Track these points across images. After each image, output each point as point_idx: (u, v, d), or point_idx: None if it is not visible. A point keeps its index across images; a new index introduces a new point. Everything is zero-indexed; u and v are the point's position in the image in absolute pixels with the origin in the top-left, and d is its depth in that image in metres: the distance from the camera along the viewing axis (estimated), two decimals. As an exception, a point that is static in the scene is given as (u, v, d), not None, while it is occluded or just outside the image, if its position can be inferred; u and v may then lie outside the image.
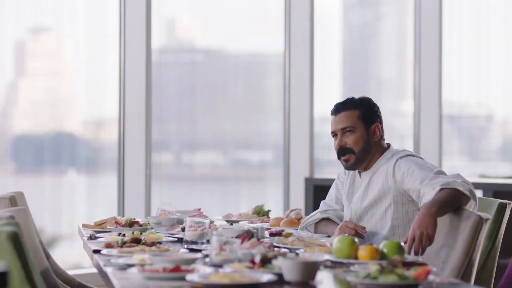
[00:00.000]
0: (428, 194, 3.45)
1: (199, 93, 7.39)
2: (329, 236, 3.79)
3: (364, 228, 3.65)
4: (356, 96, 3.85)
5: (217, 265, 2.95)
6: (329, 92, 7.63)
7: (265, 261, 2.84)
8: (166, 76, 7.08)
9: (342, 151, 3.77)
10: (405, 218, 3.69)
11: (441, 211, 3.31)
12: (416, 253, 3.20)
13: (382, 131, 3.83)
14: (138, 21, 6.63)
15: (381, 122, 3.83)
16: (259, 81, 7.58)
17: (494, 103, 8.42)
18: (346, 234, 3.57)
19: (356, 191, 3.85)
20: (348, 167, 3.80)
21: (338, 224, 3.79)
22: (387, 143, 3.85)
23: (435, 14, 7.72)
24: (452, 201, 3.37)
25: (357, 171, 3.86)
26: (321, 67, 7.43)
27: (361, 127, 3.77)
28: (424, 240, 3.20)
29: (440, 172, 3.56)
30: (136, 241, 3.41)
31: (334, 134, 3.81)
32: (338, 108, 3.81)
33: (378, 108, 3.84)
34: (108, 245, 3.39)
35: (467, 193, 3.39)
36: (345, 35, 7.97)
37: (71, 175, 6.81)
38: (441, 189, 3.39)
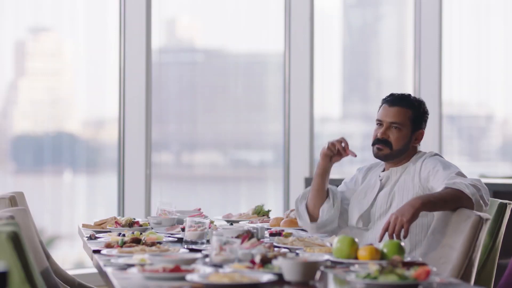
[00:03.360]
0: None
1: (199, 93, 7.39)
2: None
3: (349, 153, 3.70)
4: (415, 96, 3.87)
5: (217, 265, 2.95)
6: (329, 92, 7.63)
7: (265, 261, 2.84)
8: (166, 76, 7.08)
9: (381, 141, 3.74)
10: (423, 217, 3.62)
11: (428, 205, 3.34)
12: (390, 237, 3.26)
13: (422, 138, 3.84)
14: (138, 21, 6.63)
15: (425, 129, 3.85)
16: (259, 81, 7.57)
17: (494, 103, 8.42)
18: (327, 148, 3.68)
19: (371, 193, 3.83)
20: (378, 156, 3.76)
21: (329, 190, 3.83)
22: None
23: (435, 14, 7.72)
24: (450, 200, 3.37)
25: (380, 174, 3.84)
26: (321, 67, 7.42)
27: (408, 128, 3.76)
28: (397, 226, 3.24)
29: (461, 174, 3.55)
30: (136, 241, 3.41)
31: (379, 122, 3.78)
32: (395, 101, 3.79)
33: (428, 115, 3.85)
34: (108, 245, 3.39)
35: (471, 196, 3.39)
36: (345, 35, 7.96)
37: (71, 175, 6.80)
38: (446, 188, 3.41)
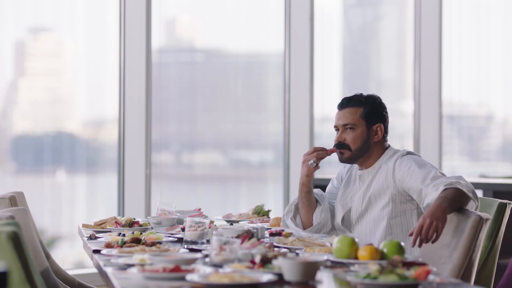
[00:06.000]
0: (431, 194, 3.45)
1: (199, 93, 7.39)
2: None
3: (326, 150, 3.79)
4: (365, 93, 3.84)
5: (217, 265, 2.95)
6: (329, 92, 7.63)
7: (265, 261, 2.84)
8: (166, 76, 7.08)
9: (339, 146, 3.79)
10: (402, 217, 3.69)
11: (450, 207, 3.31)
12: (421, 242, 3.18)
13: (386, 132, 3.82)
14: (138, 21, 6.63)
15: (385, 123, 3.82)
16: (259, 81, 7.57)
17: (494, 103, 8.42)
18: (312, 161, 3.79)
19: (351, 189, 3.87)
20: (342, 160, 3.82)
21: (318, 198, 3.87)
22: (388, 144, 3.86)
23: (435, 14, 7.72)
24: (457, 200, 3.37)
25: (357, 173, 3.86)
26: (321, 67, 7.43)
27: (362, 126, 3.77)
28: (431, 230, 3.18)
29: (440, 173, 3.56)
30: (136, 241, 3.41)
31: (336, 128, 3.82)
32: (343, 104, 3.81)
33: (384, 108, 3.82)
34: (108, 245, 3.39)
35: (470, 194, 3.40)
36: (345, 35, 7.97)
37: (71, 175, 6.80)
38: (445, 189, 3.39)
